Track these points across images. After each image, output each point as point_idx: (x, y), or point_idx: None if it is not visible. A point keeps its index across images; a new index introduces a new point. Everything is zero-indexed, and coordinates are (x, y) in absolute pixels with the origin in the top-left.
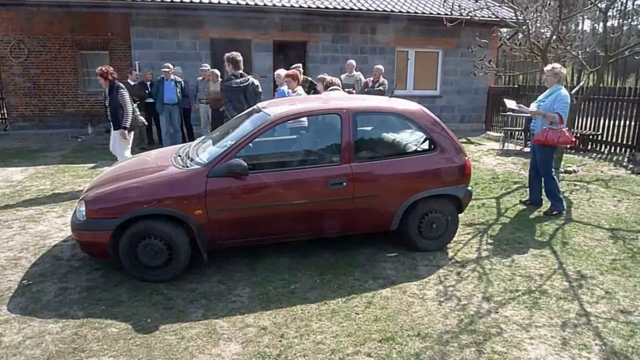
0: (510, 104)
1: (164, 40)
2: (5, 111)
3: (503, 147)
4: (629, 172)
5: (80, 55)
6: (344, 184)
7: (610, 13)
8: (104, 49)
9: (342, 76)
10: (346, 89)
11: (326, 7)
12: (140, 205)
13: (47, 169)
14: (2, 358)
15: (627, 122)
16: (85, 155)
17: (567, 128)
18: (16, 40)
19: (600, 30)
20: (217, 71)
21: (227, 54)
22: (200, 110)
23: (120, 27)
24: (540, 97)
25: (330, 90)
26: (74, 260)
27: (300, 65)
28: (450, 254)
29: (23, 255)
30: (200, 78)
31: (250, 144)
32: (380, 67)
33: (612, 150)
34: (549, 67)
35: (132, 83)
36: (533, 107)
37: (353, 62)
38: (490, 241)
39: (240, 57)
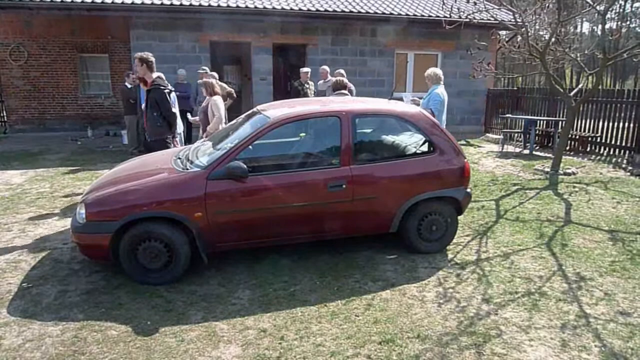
0: (407, 99)
1: (163, 43)
2: (5, 114)
3: (502, 149)
4: (628, 173)
5: (80, 58)
6: (344, 186)
7: (608, 15)
8: (104, 52)
9: (319, 83)
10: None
11: (325, 10)
12: (140, 207)
13: (46, 172)
14: None
15: (626, 124)
16: (84, 158)
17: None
18: (16, 43)
19: (599, 32)
20: (215, 74)
21: (141, 54)
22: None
23: (120, 30)
24: (424, 97)
25: (337, 94)
26: (74, 263)
27: (310, 70)
28: (450, 255)
29: (23, 258)
30: (200, 81)
31: (250, 147)
32: (325, 67)
33: (611, 152)
34: (426, 72)
35: (130, 86)
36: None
37: (327, 67)
38: (489, 243)
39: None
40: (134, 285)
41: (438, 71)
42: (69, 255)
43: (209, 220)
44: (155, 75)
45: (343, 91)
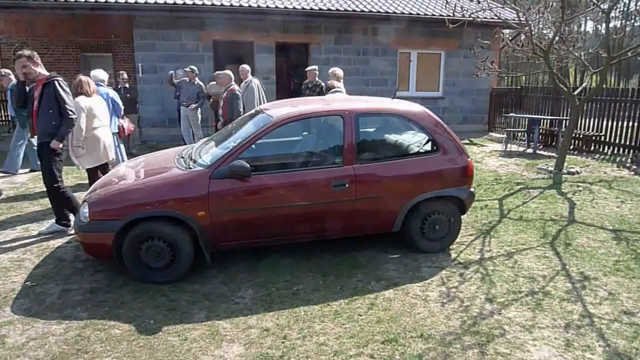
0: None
1: (166, 42)
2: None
3: (506, 148)
4: (632, 173)
5: (83, 57)
6: (346, 185)
7: (612, 14)
8: (107, 51)
9: (241, 85)
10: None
11: (328, 9)
12: (143, 207)
13: None
14: (6, 359)
15: (630, 123)
16: None
17: None
18: (20, 43)
19: (603, 31)
20: (229, 72)
21: (23, 52)
22: (182, 113)
23: (123, 29)
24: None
25: (332, 92)
26: (78, 262)
27: (316, 67)
28: (453, 255)
29: (26, 256)
30: (187, 79)
31: (253, 146)
32: (245, 65)
33: (615, 151)
34: (329, 71)
35: (120, 85)
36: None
37: (247, 66)
38: (493, 242)
39: None
40: (137, 284)
41: (338, 71)
42: (73, 254)
43: (212, 219)
44: (45, 71)
45: (337, 90)
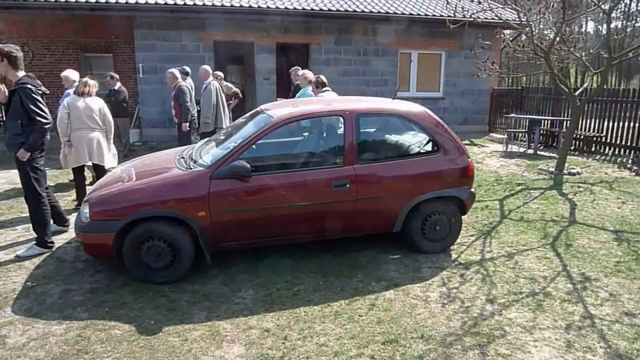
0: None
1: (167, 42)
2: None
3: (506, 148)
4: (633, 173)
5: (84, 57)
6: (347, 185)
7: (613, 14)
8: (108, 52)
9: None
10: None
11: (328, 9)
12: (143, 207)
13: (50, 172)
14: None
15: (631, 124)
16: None
17: None
18: (20, 43)
19: (604, 31)
20: (220, 73)
21: (4, 47)
22: None
23: (123, 29)
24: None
25: (324, 91)
26: (78, 262)
27: (299, 68)
28: (454, 255)
29: None
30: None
31: (254, 146)
32: (297, 68)
33: (616, 152)
34: (300, 72)
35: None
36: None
37: (207, 67)
38: (493, 243)
39: None
40: (137, 284)
41: (308, 73)
42: (73, 254)
43: (212, 220)
44: (21, 73)
45: (327, 88)
